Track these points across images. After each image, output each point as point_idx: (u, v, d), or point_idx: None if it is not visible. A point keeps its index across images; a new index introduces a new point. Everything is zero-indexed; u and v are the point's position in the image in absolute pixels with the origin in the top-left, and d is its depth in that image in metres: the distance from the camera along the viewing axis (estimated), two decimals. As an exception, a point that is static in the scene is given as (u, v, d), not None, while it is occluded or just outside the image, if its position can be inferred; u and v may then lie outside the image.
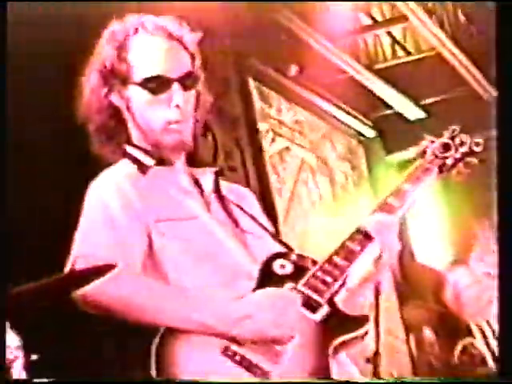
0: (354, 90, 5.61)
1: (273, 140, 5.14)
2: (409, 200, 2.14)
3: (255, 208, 2.26)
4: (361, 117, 6.16)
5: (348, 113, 5.97)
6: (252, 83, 4.84)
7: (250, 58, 4.72)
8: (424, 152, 2.29)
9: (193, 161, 2.18)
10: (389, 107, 6.14)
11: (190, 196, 2.10)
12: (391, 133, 6.40)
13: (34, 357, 2.31)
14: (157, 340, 1.83)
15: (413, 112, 6.21)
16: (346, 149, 6.29)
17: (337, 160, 6.08)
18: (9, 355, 2.23)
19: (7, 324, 1.91)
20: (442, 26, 5.20)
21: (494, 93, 5.24)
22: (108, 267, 1.69)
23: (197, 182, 2.14)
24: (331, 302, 1.93)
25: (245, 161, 4.48)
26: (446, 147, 2.29)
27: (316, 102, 5.61)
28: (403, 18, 5.06)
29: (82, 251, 1.93)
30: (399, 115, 6.25)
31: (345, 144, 6.27)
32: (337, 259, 1.98)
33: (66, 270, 1.90)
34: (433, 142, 2.30)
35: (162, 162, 2.09)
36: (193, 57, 2.11)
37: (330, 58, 5.09)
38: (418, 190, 2.19)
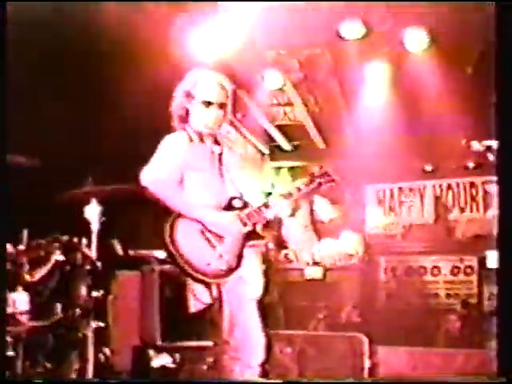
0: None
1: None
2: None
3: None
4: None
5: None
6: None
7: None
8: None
9: (215, 142, 4.40)
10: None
11: (206, 159, 4.26)
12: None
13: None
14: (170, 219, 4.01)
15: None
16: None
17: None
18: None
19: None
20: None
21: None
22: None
23: (213, 153, 4.31)
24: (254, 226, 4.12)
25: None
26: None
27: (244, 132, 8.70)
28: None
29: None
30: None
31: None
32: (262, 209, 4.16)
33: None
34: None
35: (200, 139, 4.31)
36: (227, 96, 4.37)
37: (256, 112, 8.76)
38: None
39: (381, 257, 9.15)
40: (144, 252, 6.27)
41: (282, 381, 3.81)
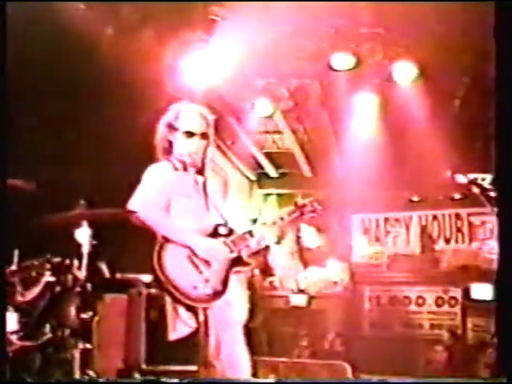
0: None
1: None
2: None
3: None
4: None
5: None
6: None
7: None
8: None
9: (199, 171, 4.52)
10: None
11: (191, 187, 4.38)
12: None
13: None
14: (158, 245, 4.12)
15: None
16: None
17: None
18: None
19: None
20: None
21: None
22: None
23: (196, 183, 4.44)
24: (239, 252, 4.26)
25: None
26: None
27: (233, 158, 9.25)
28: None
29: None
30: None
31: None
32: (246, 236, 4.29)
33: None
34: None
35: (184, 168, 4.45)
36: (208, 125, 4.52)
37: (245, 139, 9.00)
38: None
39: (366, 286, 9.27)
40: (131, 276, 6.38)
41: (278, 380, 3.93)
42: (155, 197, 4.28)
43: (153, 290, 6.14)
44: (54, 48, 6.06)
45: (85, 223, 4.66)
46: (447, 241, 9.44)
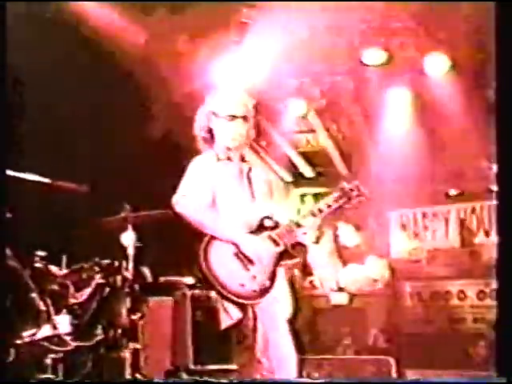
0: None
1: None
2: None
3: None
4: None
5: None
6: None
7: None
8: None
9: (242, 159, 4.52)
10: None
11: (235, 177, 4.38)
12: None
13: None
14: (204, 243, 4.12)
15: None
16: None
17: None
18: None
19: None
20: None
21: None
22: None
23: (241, 171, 4.43)
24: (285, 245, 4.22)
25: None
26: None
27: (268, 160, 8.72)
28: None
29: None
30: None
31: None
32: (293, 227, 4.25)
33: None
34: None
35: (228, 158, 4.42)
36: (249, 109, 4.49)
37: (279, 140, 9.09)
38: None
39: (406, 282, 9.30)
40: (174, 278, 6.51)
41: (281, 381, 3.92)
42: (199, 193, 4.27)
43: (197, 291, 6.29)
44: (89, 52, 6.24)
45: (130, 226, 4.79)
46: (487, 233, 9.42)
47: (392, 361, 7.49)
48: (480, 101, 7.88)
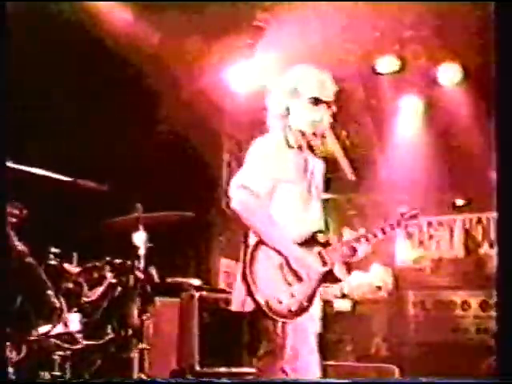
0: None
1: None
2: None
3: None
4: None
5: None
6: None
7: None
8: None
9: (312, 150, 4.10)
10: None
11: (300, 169, 3.92)
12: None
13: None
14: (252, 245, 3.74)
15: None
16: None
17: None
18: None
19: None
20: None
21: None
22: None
23: (307, 163, 4.00)
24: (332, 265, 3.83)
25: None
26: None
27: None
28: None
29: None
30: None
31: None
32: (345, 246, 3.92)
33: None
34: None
35: (299, 146, 3.96)
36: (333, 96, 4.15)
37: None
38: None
39: (410, 291, 9.32)
40: (181, 279, 6.51)
41: (282, 380, 3.74)
42: (259, 185, 3.76)
43: (204, 293, 6.29)
44: (103, 52, 6.27)
45: (141, 227, 4.80)
46: (491, 244, 9.44)
47: (396, 369, 7.49)
48: (490, 112, 7.91)
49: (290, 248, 3.76)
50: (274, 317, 3.70)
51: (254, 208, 3.74)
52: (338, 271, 3.87)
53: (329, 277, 3.84)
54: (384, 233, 4.05)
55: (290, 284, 3.74)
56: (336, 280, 3.87)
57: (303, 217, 3.90)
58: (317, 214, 3.99)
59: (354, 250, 3.91)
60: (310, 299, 3.77)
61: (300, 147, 3.97)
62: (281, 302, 3.69)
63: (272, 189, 3.81)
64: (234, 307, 3.85)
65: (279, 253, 3.74)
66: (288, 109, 3.94)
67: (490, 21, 6.64)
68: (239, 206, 3.74)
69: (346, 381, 6.95)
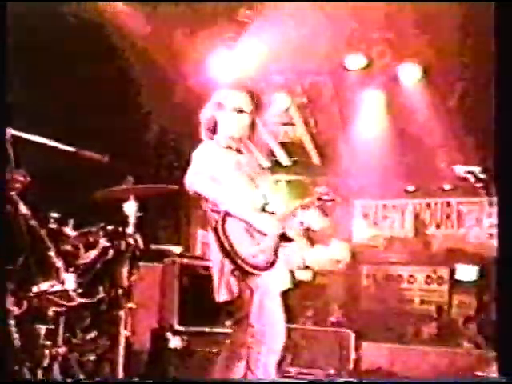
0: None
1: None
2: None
3: None
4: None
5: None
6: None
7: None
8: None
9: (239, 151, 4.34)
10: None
11: (236, 168, 4.21)
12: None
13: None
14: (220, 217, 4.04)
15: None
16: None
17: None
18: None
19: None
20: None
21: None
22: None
23: (239, 163, 4.24)
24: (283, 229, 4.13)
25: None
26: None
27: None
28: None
29: None
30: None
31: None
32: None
33: None
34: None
35: (229, 147, 4.30)
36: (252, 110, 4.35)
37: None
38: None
39: (364, 265, 9.38)
40: (164, 247, 6.45)
41: (281, 381, 3.80)
42: (210, 172, 4.16)
43: (185, 260, 6.25)
44: (96, 44, 6.13)
45: (132, 197, 4.72)
46: (438, 226, 9.51)
47: (351, 333, 7.52)
48: (444, 108, 7.94)
49: (251, 213, 4.10)
50: (252, 270, 4.00)
51: (211, 185, 4.15)
52: (289, 233, 4.19)
53: (283, 237, 4.15)
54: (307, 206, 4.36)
55: (258, 243, 4.06)
56: (289, 240, 4.19)
57: (252, 194, 4.22)
58: (263, 192, 4.27)
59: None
60: (276, 252, 4.09)
61: (230, 147, 4.32)
62: (255, 256, 4.02)
63: (221, 179, 4.18)
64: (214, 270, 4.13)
65: (244, 221, 4.07)
66: (215, 122, 4.36)
67: (454, 23, 6.67)
68: (199, 187, 4.18)
69: (346, 380, 7.00)
